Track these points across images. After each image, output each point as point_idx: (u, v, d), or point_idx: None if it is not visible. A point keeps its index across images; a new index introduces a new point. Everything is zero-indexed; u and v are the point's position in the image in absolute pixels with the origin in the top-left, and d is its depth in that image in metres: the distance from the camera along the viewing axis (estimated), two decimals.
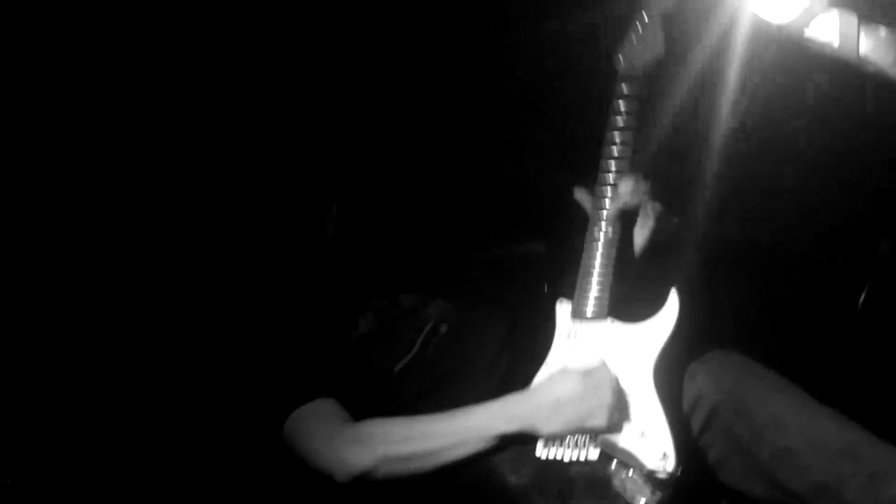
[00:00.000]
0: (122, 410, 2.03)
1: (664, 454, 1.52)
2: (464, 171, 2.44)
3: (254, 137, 2.16)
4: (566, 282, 1.80)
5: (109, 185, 2.12)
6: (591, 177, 1.79)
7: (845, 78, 1.98)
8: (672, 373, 1.65)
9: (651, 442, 1.54)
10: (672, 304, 1.65)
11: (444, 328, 1.86)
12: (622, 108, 1.75)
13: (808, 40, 1.86)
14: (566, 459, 1.58)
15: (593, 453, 1.56)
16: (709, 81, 2.06)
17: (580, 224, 1.81)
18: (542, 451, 1.60)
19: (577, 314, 1.71)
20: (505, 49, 2.40)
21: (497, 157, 2.50)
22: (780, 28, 1.86)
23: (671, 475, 1.51)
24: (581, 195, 1.83)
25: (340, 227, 1.99)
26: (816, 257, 2.33)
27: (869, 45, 1.80)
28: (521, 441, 1.60)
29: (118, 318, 2.09)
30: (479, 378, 1.77)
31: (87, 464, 1.97)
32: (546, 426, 1.58)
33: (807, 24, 1.83)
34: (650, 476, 1.52)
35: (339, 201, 2.00)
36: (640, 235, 1.78)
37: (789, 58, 2.03)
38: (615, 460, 1.55)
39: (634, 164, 1.75)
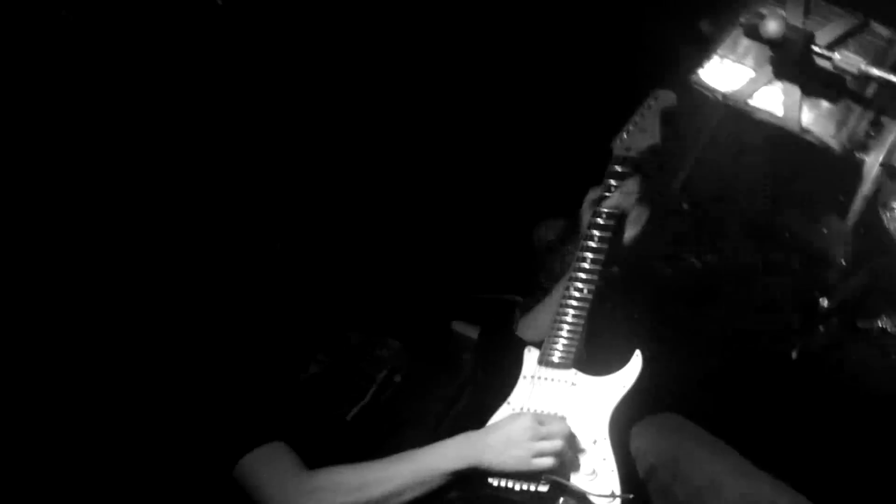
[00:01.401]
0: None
1: (612, 492, 1.58)
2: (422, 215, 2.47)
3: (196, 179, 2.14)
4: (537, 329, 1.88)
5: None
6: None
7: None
8: (626, 423, 1.71)
9: (601, 481, 1.60)
10: (635, 363, 1.73)
11: (398, 377, 1.87)
12: (611, 186, 1.85)
13: (753, 108, 1.92)
14: (518, 489, 1.60)
15: (543, 487, 1.60)
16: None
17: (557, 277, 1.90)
18: (494, 483, 1.63)
19: (544, 361, 1.77)
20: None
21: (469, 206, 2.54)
22: (725, 96, 1.91)
23: None
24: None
25: (285, 264, 1.99)
26: (752, 317, 2.38)
27: (811, 116, 1.86)
28: (474, 477, 1.62)
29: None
30: (432, 426, 1.78)
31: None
32: (496, 463, 1.60)
33: (751, 94, 1.89)
34: None
35: (284, 238, 2.00)
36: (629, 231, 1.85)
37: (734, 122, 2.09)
38: (564, 496, 1.59)
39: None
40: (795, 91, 1.86)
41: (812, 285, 2.32)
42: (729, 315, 2.40)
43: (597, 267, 1.81)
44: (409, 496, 1.60)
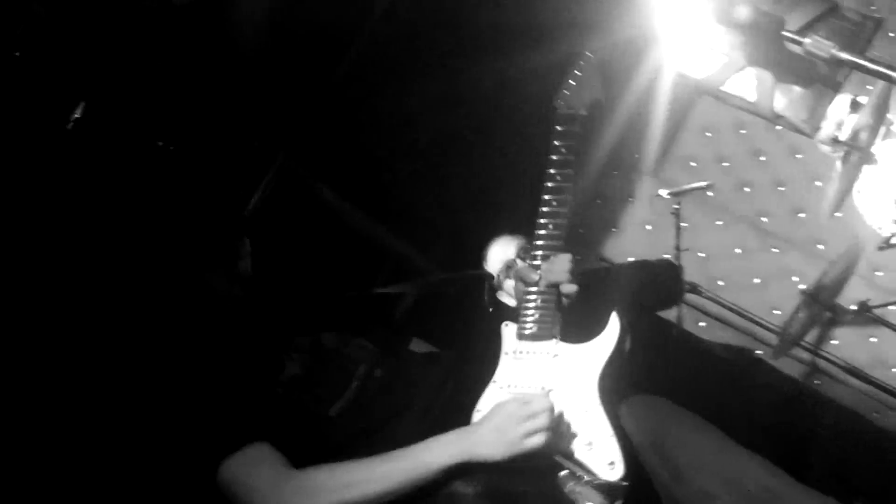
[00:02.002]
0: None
1: (612, 462, 1.57)
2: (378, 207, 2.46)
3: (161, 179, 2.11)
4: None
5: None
6: (525, 223, 1.85)
7: None
8: (616, 389, 1.69)
9: (599, 451, 1.59)
10: (613, 325, 1.72)
11: (378, 372, 1.86)
12: (561, 147, 1.80)
13: (726, 94, 1.94)
14: (518, 470, 1.58)
15: (543, 462, 1.59)
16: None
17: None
18: (495, 469, 1.61)
19: (522, 335, 1.76)
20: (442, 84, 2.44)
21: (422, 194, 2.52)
22: (698, 82, 1.93)
23: (620, 482, 1.55)
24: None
25: (254, 264, 1.97)
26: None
27: (783, 101, 1.89)
28: (469, 469, 1.58)
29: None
30: (416, 419, 1.77)
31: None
32: (490, 452, 1.57)
33: (724, 80, 1.91)
34: (599, 483, 1.56)
35: (250, 237, 1.98)
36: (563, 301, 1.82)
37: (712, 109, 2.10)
38: (565, 469, 1.59)
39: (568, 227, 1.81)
40: (768, 77, 1.89)
41: (791, 270, 2.35)
42: None
43: (560, 231, 1.80)
44: (399, 493, 1.57)
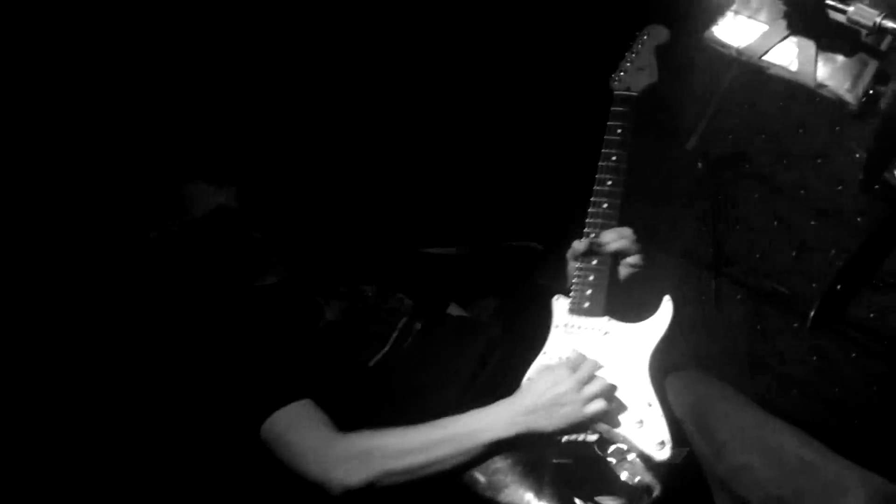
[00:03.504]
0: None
1: (662, 441, 1.58)
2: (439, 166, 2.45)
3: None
4: (560, 279, 1.85)
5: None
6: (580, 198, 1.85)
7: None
8: (662, 371, 1.70)
9: (649, 430, 1.59)
10: (666, 308, 1.72)
11: (418, 325, 1.84)
12: (616, 127, 1.81)
13: (767, 64, 1.91)
14: (564, 440, 1.60)
15: (592, 437, 1.60)
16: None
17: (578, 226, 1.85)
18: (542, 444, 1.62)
19: (575, 309, 1.76)
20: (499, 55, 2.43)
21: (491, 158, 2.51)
22: (739, 52, 1.90)
23: (669, 461, 1.56)
24: (577, 244, 1.85)
25: (293, 221, 1.95)
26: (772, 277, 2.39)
27: (826, 71, 1.86)
28: (525, 444, 1.59)
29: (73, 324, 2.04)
30: (462, 386, 1.76)
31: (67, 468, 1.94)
32: (547, 426, 1.56)
33: (766, 50, 1.88)
34: (648, 461, 1.57)
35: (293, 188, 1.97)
36: (624, 272, 1.81)
37: (748, 79, 2.08)
38: (614, 445, 1.60)
39: (622, 207, 1.81)
40: (810, 46, 1.86)
41: (827, 243, 2.32)
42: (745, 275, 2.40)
43: (614, 211, 1.79)
44: (453, 464, 1.55)
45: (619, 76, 1.88)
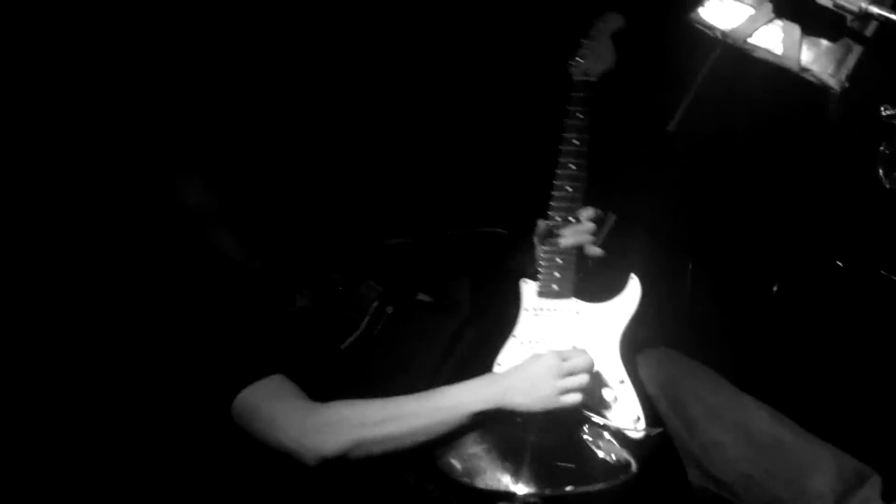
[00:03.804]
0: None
1: (637, 417, 1.62)
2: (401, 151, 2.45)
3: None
4: (527, 264, 1.89)
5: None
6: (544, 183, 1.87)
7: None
8: (635, 350, 1.74)
9: (624, 407, 1.64)
10: (633, 287, 1.76)
11: (389, 309, 1.86)
12: (576, 112, 1.84)
13: (752, 46, 1.91)
14: (540, 421, 1.63)
15: (567, 416, 1.63)
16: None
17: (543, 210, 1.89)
18: (518, 420, 1.64)
19: (543, 292, 1.78)
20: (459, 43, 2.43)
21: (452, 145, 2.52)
22: (724, 34, 1.90)
23: (645, 437, 1.60)
24: (542, 224, 1.86)
25: (266, 207, 1.95)
26: (744, 255, 2.41)
27: (810, 55, 1.86)
28: (497, 419, 1.61)
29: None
30: (432, 367, 1.78)
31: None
32: (522, 403, 1.59)
33: (751, 32, 1.88)
34: (624, 438, 1.60)
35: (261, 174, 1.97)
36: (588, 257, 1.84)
37: (731, 62, 2.08)
38: (590, 423, 1.62)
39: (585, 190, 1.83)
40: (795, 29, 1.86)
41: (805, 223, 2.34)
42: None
43: (577, 194, 1.83)
44: (427, 435, 1.58)
45: (577, 62, 1.94)
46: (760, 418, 1.65)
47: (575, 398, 1.59)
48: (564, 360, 1.62)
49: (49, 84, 2.04)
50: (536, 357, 1.64)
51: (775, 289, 2.30)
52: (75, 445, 1.94)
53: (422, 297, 1.99)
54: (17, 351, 1.97)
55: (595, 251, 1.81)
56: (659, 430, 1.60)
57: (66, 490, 1.89)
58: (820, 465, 1.58)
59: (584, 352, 1.64)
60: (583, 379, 1.60)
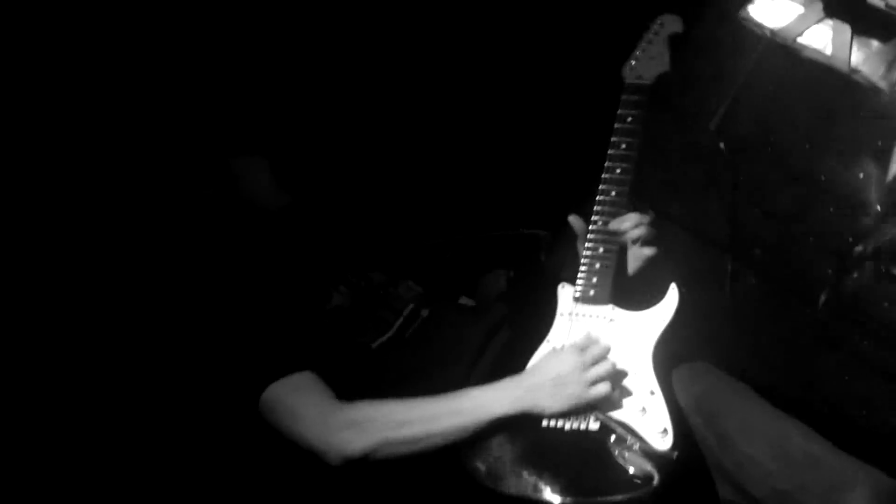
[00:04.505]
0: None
1: (664, 430, 1.57)
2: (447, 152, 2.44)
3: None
4: (567, 267, 1.85)
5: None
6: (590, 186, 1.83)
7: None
8: (668, 361, 1.70)
9: (651, 418, 1.59)
10: (672, 296, 1.72)
11: (425, 312, 1.85)
12: (627, 115, 1.80)
13: (801, 46, 1.86)
14: (567, 429, 1.60)
15: (594, 425, 1.60)
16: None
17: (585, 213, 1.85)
18: (543, 425, 1.62)
19: (580, 297, 1.75)
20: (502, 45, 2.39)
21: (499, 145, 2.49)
22: (773, 32, 1.85)
23: (671, 450, 1.56)
24: (575, 221, 1.84)
25: (307, 203, 1.95)
26: (788, 261, 2.35)
27: (860, 56, 1.81)
28: (525, 422, 1.59)
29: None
30: (463, 371, 1.76)
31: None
32: (550, 405, 1.57)
33: (801, 31, 1.83)
34: (650, 450, 1.56)
35: (303, 171, 1.96)
36: (632, 263, 1.80)
37: (780, 62, 2.02)
38: (615, 434, 1.59)
39: (630, 194, 1.79)
40: (845, 29, 1.81)
41: (845, 231, 2.28)
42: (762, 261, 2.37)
43: (622, 199, 1.78)
44: (451, 438, 1.56)
45: (630, 65, 1.88)
46: (795, 434, 1.61)
47: (605, 388, 1.57)
48: (583, 351, 1.59)
49: (68, 71, 2.03)
50: (556, 354, 1.62)
51: (823, 298, 2.23)
52: (98, 438, 1.94)
53: (464, 300, 1.98)
54: (42, 343, 1.97)
55: (650, 250, 1.76)
56: (676, 453, 1.56)
57: (84, 485, 1.90)
58: (855, 483, 1.54)
59: (598, 340, 1.63)
60: (608, 366, 1.58)
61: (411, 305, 1.84)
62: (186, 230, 1.88)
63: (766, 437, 1.60)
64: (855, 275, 2.20)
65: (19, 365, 1.93)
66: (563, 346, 1.69)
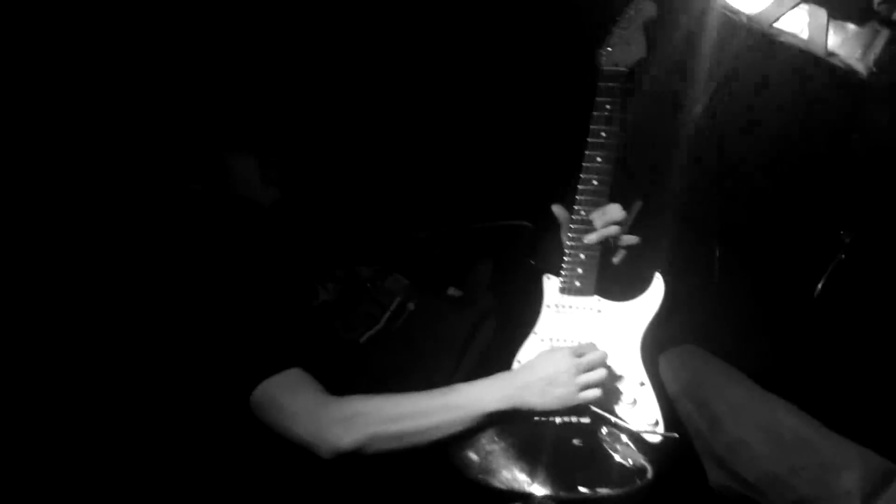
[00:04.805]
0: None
1: (656, 421, 1.59)
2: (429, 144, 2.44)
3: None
4: (551, 258, 1.85)
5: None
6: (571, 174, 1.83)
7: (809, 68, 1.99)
8: (656, 351, 1.71)
9: (643, 410, 1.61)
10: (657, 286, 1.72)
11: (411, 306, 1.85)
12: (605, 103, 1.79)
13: (777, 31, 1.87)
14: (558, 421, 1.61)
15: (585, 419, 1.61)
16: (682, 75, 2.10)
17: (567, 204, 1.86)
18: (534, 419, 1.63)
19: (565, 289, 1.76)
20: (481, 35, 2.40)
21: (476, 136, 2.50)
22: (749, 18, 1.86)
23: (662, 441, 1.57)
24: (558, 211, 1.84)
25: (293, 197, 1.95)
26: (777, 246, 2.36)
27: (837, 39, 1.82)
28: (514, 418, 1.60)
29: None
30: (451, 362, 1.77)
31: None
32: (540, 403, 1.59)
33: (777, 17, 1.83)
34: (641, 442, 1.57)
35: (286, 167, 1.96)
36: (616, 253, 1.81)
37: (757, 47, 2.03)
38: (607, 426, 1.60)
39: (612, 185, 1.79)
40: (821, 13, 1.82)
41: (835, 216, 2.29)
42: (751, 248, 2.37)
43: (604, 188, 1.79)
44: (442, 433, 1.57)
45: (606, 51, 1.86)
46: (786, 416, 1.61)
47: (594, 393, 1.58)
48: (580, 355, 1.60)
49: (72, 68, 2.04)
50: (550, 354, 1.63)
51: (820, 286, 2.23)
52: (91, 438, 1.95)
53: (452, 291, 1.98)
54: (33, 346, 1.98)
55: (628, 239, 1.77)
56: (675, 435, 1.57)
57: (78, 486, 1.90)
58: (847, 464, 1.54)
59: (594, 346, 1.63)
60: (601, 374, 1.59)
61: (398, 299, 1.84)
62: (173, 226, 1.88)
63: (757, 420, 1.60)
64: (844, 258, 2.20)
65: (11, 361, 1.94)
66: (551, 340, 1.70)
